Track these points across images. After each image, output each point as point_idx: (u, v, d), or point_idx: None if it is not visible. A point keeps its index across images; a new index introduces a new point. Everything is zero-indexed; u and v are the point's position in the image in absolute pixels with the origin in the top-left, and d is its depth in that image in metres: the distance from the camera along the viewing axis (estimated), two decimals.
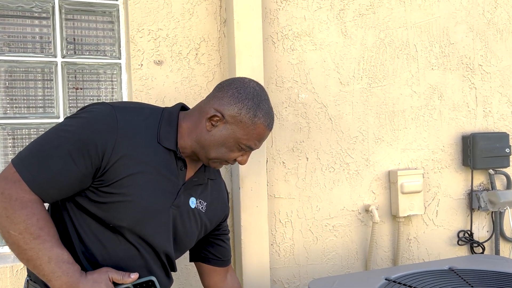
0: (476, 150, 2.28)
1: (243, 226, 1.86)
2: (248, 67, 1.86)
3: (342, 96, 2.14)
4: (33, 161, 1.06)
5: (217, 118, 1.17)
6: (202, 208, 1.28)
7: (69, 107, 1.86)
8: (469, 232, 2.35)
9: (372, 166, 2.20)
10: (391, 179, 2.21)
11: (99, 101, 1.17)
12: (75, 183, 1.08)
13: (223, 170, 1.96)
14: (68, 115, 1.84)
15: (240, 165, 1.87)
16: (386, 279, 1.58)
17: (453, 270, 1.67)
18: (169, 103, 1.88)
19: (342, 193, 2.15)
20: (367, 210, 2.18)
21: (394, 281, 1.56)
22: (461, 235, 2.35)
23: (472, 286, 1.52)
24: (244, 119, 1.16)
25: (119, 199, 1.10)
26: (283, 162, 2.05)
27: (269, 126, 1.21)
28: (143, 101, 1.85)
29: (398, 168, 2.24)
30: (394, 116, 2.24)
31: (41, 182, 1.05)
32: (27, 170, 1.05)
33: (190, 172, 1.25)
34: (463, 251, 2.37)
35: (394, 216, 2.22)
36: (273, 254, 2.04)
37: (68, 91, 1.86)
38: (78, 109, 1.17)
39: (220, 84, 1.24)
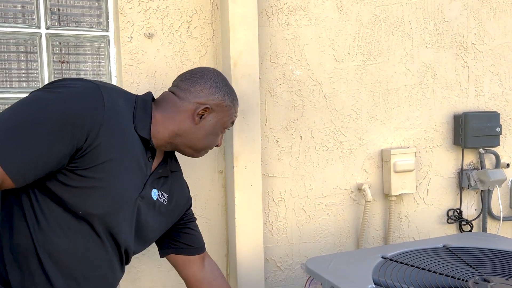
0: (467, 129, 2.29)
1: (237, 205, 1.83)
2: (242, 41, 1.79)
3: (337, 74, 2.10)
4: (7, 140, 0.93)
5: (205, 111, 1.23)
6: (163, 200, 1.25)
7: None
8: (458, 211, 2.37)
9: (365, 145, 2.18)
10: (383, 158, 2.20)
11: (78, 77, 1.09)
12: (52, 164, 0.98)
13: (215, 149, 1.91)
14: None
15: (234, 144, 1.82)
16: (382, 257, 1.58)
17: (447, 248, 1.68)
18: (160, 78, 1.81)
19: (335, 172, 2.13)
20: (359, 189, 2.17)
21: (390, 259, 1.56)
22: (450, 213, 2.37)
23: (466, 263, 1.53)
24: (227, 104, 1.28)
25: (94, 185, 1.03)
26: (277, 141, 2.02)
27: (238, 102, 1.38)
28: (133, 76, 1.78)
29: (391, 147, 2.23)
30: (388, 95, 2.21)
31: (17, 164, 0.93)
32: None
33: (154, 164, 1.23)
34: (452, 229, 2.39)
35: (386, 195, 2.22)
36: (266, 233, 2.02)
37: (53, 65, 1.76)
38: (49, 82, 1.06)
39: (187, 78, 1.26)
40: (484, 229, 2.42)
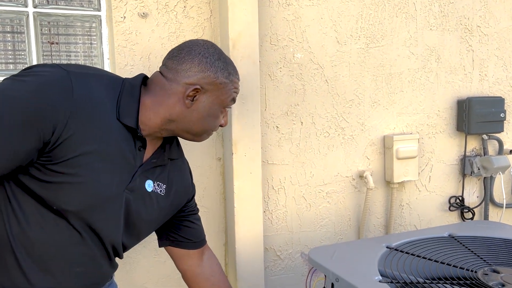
0: (471, 115, 2.23)
1: (236, 194, 1.76)
2: (241, 22, 1.71)
3: (339, 57, 2.02)
4: None
5: (196, 92, 1.09)
6: (160, 191, 1.16)
7: (44, 62, 1.68)
8: (460, 198, 2.33)
9: (367, 130, 2.12)
10: (386, 144, 2.14)
11: (50, 63, 0.99)
12: (18, 158, 0.91)
13: (214, 135, 1.84)
14: None
15: (233, 130, 1.75)
16: (387, 247, 1.53)
17: (453, 237, 1.63)
18: (155, 60, 1.72)
19: (336, 159, 2.07)
20: (361, 176, 2.11)
21: (396, 249, 1.51)
22: (452, 200, 2.33)
23: (473, 253, 1.48)
24: (222, 81, 1.12)
25: (68, 180, 0.96)
26: (277, 127, 1.94)
27: (239, 76, 1.20)
28: (127, 58, 1.69)
29: (394, 133, 2.17)
30: (391, 79, 2.14)
31: None
32: None
33: (148, 153, 1.13)
34: (454, 216, 2.35)
35: (388, 182, 2.17)
36: (266, 222, 1.96)
37: (42, 46, 1.67)
38: (23, 69, 0.98)
39: (174, 56, 1.12)
40: (486, 216, 2.38)
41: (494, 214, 2.44)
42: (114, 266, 1.18)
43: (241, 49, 1.72)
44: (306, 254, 2.10)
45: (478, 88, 2.34)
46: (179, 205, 1.26)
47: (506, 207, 2.38)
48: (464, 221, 2.36)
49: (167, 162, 1.19)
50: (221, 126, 1.20)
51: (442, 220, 2.31)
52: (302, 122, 1.98)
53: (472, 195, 2.39)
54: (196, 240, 1.32)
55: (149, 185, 1.13)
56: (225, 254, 1.94)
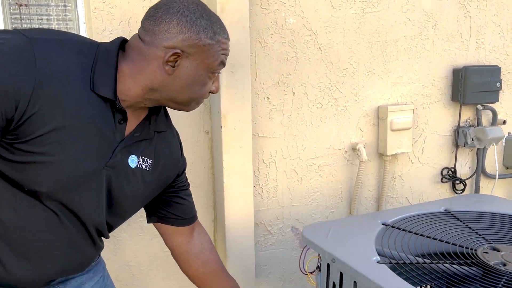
0: (467, 84, 2.16)
1: (226, 169, 1.68)
2: None
3: (334, 22, 1.90)
4: None
5: (177, 56, 0.96)
6: (146, 166, 1.07)
7: (12, 27, 1.52)
8: (452, 170, 2.29)
9: (361, 101, 2.03)
10: (380, 115, 2.07)
11: (10, 29, 0.87)
12: None
13: (200, 107, 1.73)
14: None
15: (221, 102, 1.64)
16: (383, 224, 1.47)
17: (449, 212, 1.59)
18: (135, 25, 1.58)
19: (329, 131, 1.99)
20: (354, 148, 2.04)
21: (392, 226, 1.46)
22: (444, 172, 2.29)
23: (472, 229, 1.44)
24: (206, 42, 0.98)
25: (38, 159, 0.88)
26: (268, 98, 1.84)
27: (227, 35, 1.05)
28: (105, 23, 1.54)
29: (388, 103, 2.09)
30: (387, 46, 2.04)
31: None
32: None
33: (131, 126, 1.02)
34: (445, 188, 2.32)
35: (381, 154, 2.11)
36: (256, 196, 1.89)
37: (10, 8, 1.51)
38: None
39: (150, 16, 0.98)
40: (477, 188, 2.36)
41: (485, 185, 2.42)
42: (99, 248, 1.11)
43: (229, 13, 1.59)
44: (297, 229, 2.05)
45: (474, 56, 2.26)
46: (167, 179, 1.17)
47: (498, 178, 2.36)
48: (455, 193, 2.33)
49: (153, 135, 1.09)
50: (212, 92, 1.08)
51: (433, 192, 2.28)
52: (294, 93, 1.88)
53: (464, 166, 2.35)
54: (186, 217, 1.25)
55: (133, 161, 1.04)
56: (214, 230, 1.87)
